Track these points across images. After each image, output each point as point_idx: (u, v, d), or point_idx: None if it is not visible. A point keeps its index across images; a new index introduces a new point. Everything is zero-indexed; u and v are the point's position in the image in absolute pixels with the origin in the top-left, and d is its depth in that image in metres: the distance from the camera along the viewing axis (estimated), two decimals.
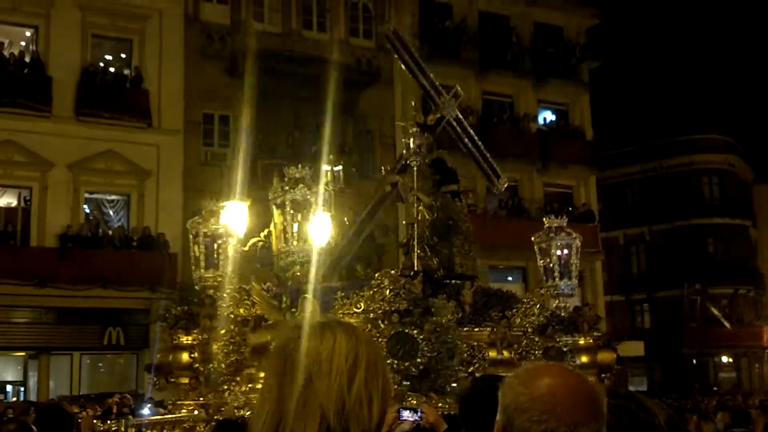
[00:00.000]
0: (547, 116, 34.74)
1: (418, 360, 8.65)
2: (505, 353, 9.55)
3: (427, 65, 30.51)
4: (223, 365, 9.01)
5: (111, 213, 25.40)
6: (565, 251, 11.29)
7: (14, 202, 24.89)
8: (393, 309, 8.90)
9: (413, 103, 12.36)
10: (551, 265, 11.19)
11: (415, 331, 8.78)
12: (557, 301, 11.16)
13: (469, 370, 8.83)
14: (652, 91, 43.13)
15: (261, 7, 27.65)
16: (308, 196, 9.62)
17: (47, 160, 24.36)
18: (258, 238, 10.38)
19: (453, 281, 10.56)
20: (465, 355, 8.99)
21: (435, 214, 11.03)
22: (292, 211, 9.56)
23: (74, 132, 24.54)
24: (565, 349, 9.72)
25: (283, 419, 1.85)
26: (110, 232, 24.72)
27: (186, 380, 9.50)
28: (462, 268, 10.86)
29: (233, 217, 10.35)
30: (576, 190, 34.29)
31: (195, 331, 9.43)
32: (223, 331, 9.08)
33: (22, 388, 24.93)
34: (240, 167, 21.73)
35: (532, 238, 11.62)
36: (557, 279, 11.16)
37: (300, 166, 10.97)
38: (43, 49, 24.99)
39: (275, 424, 1.86)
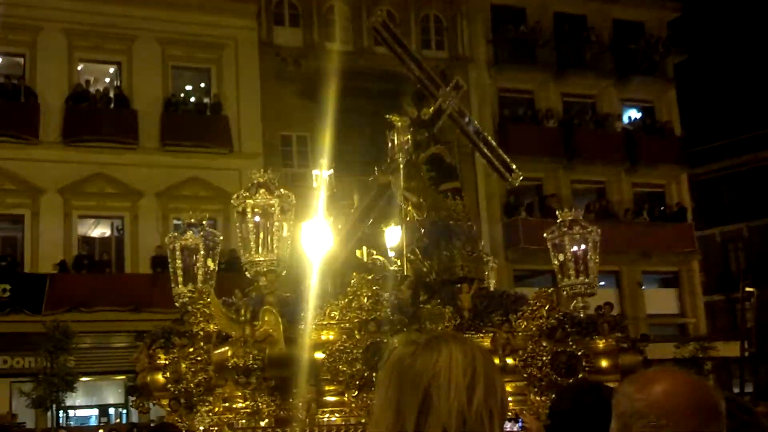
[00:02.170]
0: (632, 114, 34.06)
1: None
2: (509, 360, 9.19)
3: (502, 71, 30.35)
4: (192, 385, 8.94)
5: None
6: (582, 246, 10.83)
7: (108, 232, 25.89)
8: (371, 318, 8.79)
9: (406, 98, 12.01)
10: (566, 262, 10.79)
11: (396, 340, 8.60)
12: (575, 301, 10.77)
13: None
14: (743, 81, 41.63)
15: (332, 27, 28.07)
16: (271, 201, 9.33)
17: (136, 190, 25.26)
18: None
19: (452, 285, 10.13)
20: None
21: (425, 213, 10.79)
22: (255, 219, 9.33)
23: (160, 161, 25.37)
24: (578, 354, 9.34)
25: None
26: None
27: (165, 402, 9.45)
28: (464, 270, 10.57)
29: (312, 236, 10.23)
30: (667, 189, 33.47)
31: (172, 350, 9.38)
32: (191, 349, 9.02)
33: (124, 411, 25.76)
34: (319, 186, 22.07)
35: (545, 235, 11.22)
36: (573, 277, 10.76)
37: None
38: (126, 83, 25.95)
39: None
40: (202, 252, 10.22)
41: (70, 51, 25.41)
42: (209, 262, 10.30)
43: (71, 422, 24.98)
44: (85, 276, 24.54)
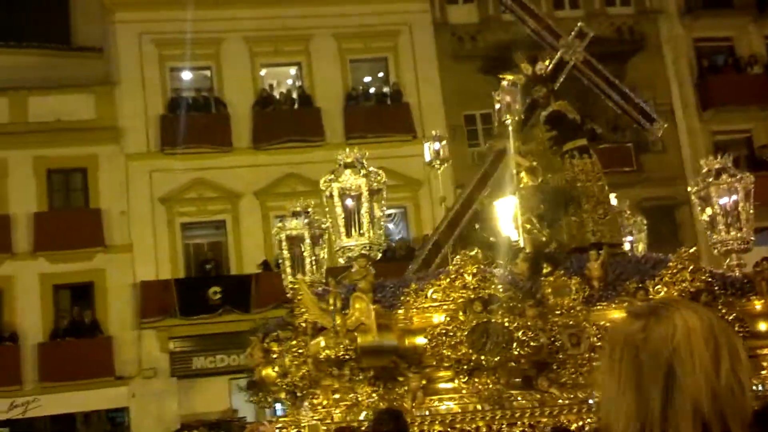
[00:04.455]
0: None
1: (517, 352, 7.78)
2: None
3: (697, 20, 28.20)
4: (296, 378, 8.66)
5: (391, 227, 26.21)
6: (733, 197, 9.65)
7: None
8: (476, 297, 8.11)
9: (518, 53, 11.14)
10: (715, 216, 9.63)
11: (506, 320, 7.91)
12: (728, 259, 9.57)
13: None
14: None
15: None
16: (357, 182, 8.83)
17: None
18: None
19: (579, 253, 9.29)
20: (595, 339, 7.97)
21: (540, 178, 9.93)
22: (345, 201, 8.85)
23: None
24: (730, 318, 8.24)
25: (648, 419, 1.72)
26: (393, 245, 25.46)
27: (283, 395, 9.26)
28: (596, 235, 9.64)
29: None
30: None
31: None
32: (293, 342, 8.74)
33: None
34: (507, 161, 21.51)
35: (688, 189, 10.13)
36: (723, 232, 9.57)
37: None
38: (307, 83, 26.49)
39: (639, 426, 1.73)
40: (308, 241, 10.06)
41: (252, 58, 26.26)
42: (317, 251, 10.11)
43: None
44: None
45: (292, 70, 27.17)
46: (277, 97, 26.35)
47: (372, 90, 26.97)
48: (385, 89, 26.96)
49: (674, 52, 27.60)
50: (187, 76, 26.61)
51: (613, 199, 14.19)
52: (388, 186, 26.17)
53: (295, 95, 26.35)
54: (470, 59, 26.55)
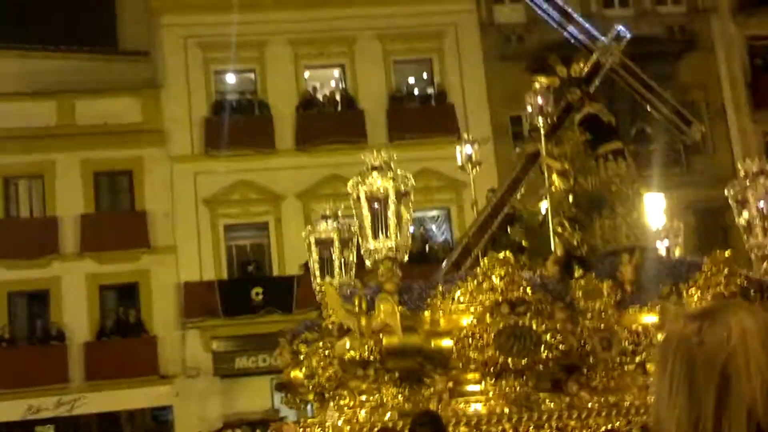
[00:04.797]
0: None
1: (545, 355, 7.61)
2: None
3: (750, 18, 27.63)
4: (323, 379, 8.59)
5: (434, 228, 26.09)
6: None
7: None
8: (504, 299, 7.94)
9: (553, 55, 10.96)
10: (752, 219, 9.36)
11: (534, 322, 7.75)
12: (765, 263, 9.29)
13: (637, 360, 7.60)
14: None
15: None
16: (385, 185, 8.70)
17: None
18: None
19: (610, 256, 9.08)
20: (626, 343, 7.75)
21: (571, 181, 9.71)
22: (372, 204, 8.72)
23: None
24: None
25: (700, 424, 1.69)
26: (435, 247, 25.34)
27: (311, 396, 9.22)
28: (629, 239, 9.41)
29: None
30: None
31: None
32: (320, 344, 8.68)
33: None
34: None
35: (725, 191, 9.88)
36: (760, 236, 9.29)
37: None
38: (351, 84, 26.46)
39: (691, 431, 1.71)
40: (337, 244, 9.99)
41: (295, 60, 26.31)
42: (346, 254, 10.04)
43: None
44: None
45: (336, 72, 27.16)
46: (321, 98, 26.39)
47: (416, 91, 26.87)
48: (429, 90, 26.84)
49: (726, 51, 27.08)
50: (231, 78, 26.77)
51: (661, 201, 13.94)
52: (432, 188, 26.25)
53: (338, 97, 26.37)
54: (517, 59, 26.23)
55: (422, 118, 25.90)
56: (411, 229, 25.62)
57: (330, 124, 25.73)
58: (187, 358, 24.30)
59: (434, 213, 26.40)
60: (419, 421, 6.94)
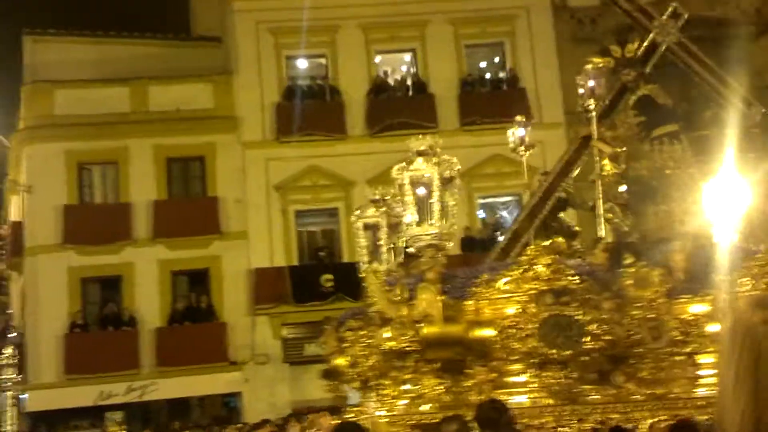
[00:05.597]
0: None
1: (590, 345, 7.23)
2: None
3: None
4: (365, 368, 8.35)
5: (505, 215, 25.63)
6: None
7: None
8: (548, 288, 7.56)
9: (609, 36, 10.50)
10: None
11: (579, 312, 7.36)
12: None
13: (686, 351, 7.17)
14: None
15: None
16: (429, 170, 8.39)
17: None
18: None
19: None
20: (676, 332, 7.31)
21: (623, 166, 9.22)
22: (417, 190, 8.43)
23: (461, 142, 25.12)
24: None
25: (766, 412, 1.71)
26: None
27: (356, 384, 9.00)
28: (684, 226, 8.91)
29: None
30: None
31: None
32: (363, 332, 8.44)
33: None
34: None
35: None
36: None
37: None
38: (422, 69, 26.15)
39: (755, 418, 1.72)
40: (384, 229, 9.73)
41: (367, 45, 26.12)
42: (394, 239, 9.79)
43: None
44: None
45: (407, 57, 26.88)
46: (392, 83, 26.15)
47: (488, 75, 26.42)
48: (501, 74, 26.38)
49: None
50: (302, 64, 26.72)
51: (745, 186, 13.28)
52: (503, 173, 25.70)
53: (409, 82, 26.11)
54: (590, 42, 25.48)
55: (494, 102, 25.44)
56: (482, 214, 25.25)
57: (401, 109, 25.45)
58: (257, 345, 24.40)
59: (506, 199, 25.94)
60: (487, 407, 6.67)
